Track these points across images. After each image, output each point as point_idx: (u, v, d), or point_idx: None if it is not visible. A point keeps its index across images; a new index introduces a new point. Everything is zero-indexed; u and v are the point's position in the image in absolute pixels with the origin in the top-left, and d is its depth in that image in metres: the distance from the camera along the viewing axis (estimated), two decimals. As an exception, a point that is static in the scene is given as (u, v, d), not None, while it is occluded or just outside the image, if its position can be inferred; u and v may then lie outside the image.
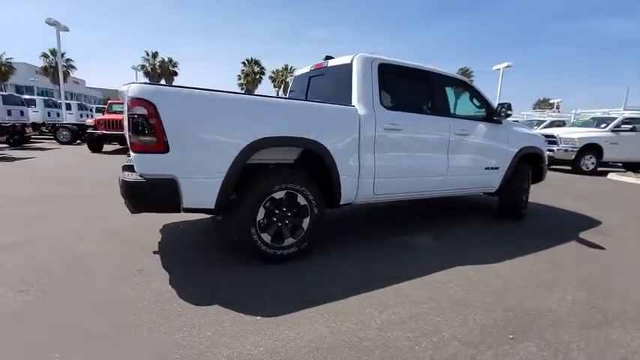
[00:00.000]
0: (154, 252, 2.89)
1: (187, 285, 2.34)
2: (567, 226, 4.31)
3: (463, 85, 3.98)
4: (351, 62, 3.14)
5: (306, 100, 3.60)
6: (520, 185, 4.37)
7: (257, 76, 47.59)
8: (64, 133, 12.54)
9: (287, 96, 4.22)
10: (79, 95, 37.53)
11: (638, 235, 4.08)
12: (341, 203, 3.03)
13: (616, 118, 10.65)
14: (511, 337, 1.91)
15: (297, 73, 4.23)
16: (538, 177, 4.78)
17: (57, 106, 15.97)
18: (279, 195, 2.66)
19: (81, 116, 17.06)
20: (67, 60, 37.88)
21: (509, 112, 3.82)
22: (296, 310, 2.09)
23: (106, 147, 11.05)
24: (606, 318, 2.16)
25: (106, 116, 10.36)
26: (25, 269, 2.48)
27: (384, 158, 3.14)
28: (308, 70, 3.92)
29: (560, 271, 2.85)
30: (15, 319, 1.88)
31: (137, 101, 2.14)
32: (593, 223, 4.56)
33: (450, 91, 3.80)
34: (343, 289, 2.37)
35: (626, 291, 2.54)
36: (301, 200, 2.77)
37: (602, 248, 3.53)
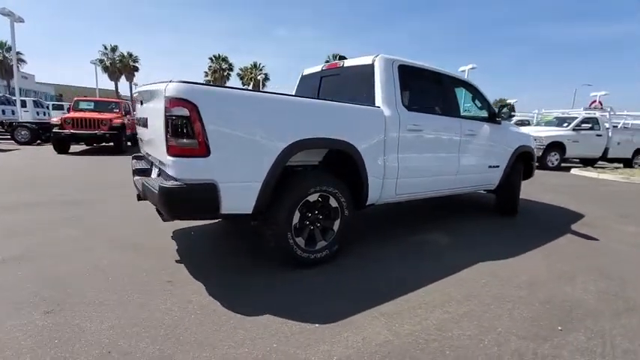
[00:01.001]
0: (177, 261, 2.73)
1: (227, 295, 2.22)
2: (557, 220, 4.62)
3: (468, 86, 4.12)
4: (373, 63, 3.14)
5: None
6: (516, 182, 4.62)
7: (225, 73, 46.42)
8: (22, 132, 11.43)
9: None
10: (29, 91, 34.36)
11: (619, 226, 4.45)
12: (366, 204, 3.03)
13: (576, 117, 11.58)
14: (560, 328, 2.02)
15: (305, 72, 4.16)
16: (528, 174, 5.07)
17: (11, 103, 14.53)
18: (313, 198, 2.61)
19: (37, 114, 15.65)
20: (17, 53, 34.61)
21: (512, 113, 4.01)
22: (349, 314, 2.06)
23: (74, 147, 10.24)
24: (630, 305, 2.34)
25: (74, 114, 9.59)
26: (40, 286, 2.24)
27: (405, 158, 3.18)
28: (319, 70, 3.88)
29: (572, 264, 3.04)
30: (54, 347, 1.69)
31: (177, 101, 1.99)
32: (577, 216, 4.91)
33: (458, 93, 3.92)
34: (387, 291, 2.37)
35: (637, 280, 2.77)
36: (333, 202, 2.73)
37: (597, 240, 3.82)
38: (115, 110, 10.80)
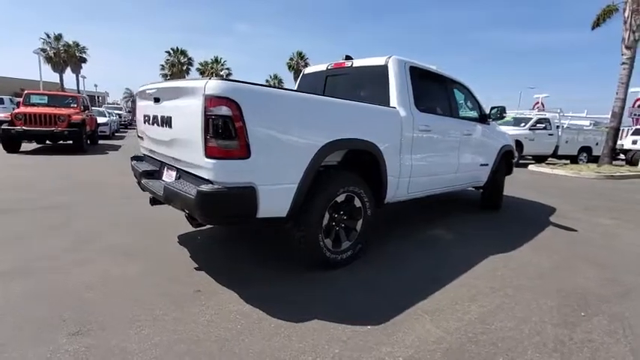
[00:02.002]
0: (196, 269, 2.57)
1: (265, 301, 2.14)
2: (536, 214, 5.01)
3: (463, 87, 4.31)
4: (386, 64, 3.18)
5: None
6: (501, 179, 4.94)
7: (184, 67, 44.27)
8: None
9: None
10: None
11: (587, 217, 4.93)
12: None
13: (531, 118, 12.60)
14: (583, 314, 2.20)
15: (307, 70, 4.11)
16: (508, 171, 5.43)
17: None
18: (340, 198, 2.59)
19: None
20: None
21: (503, 114, 4.27)
22: (393, 314, 2.08)
23: (25, 146, 9.20)
24: (628, 288, 2.61)
25: (26, 109, 8.61)
26: (52, 304, 2.00)
27: (417, 158, 3.27)
28: (323, 69, 3.84)
29: (564, 254, 3.31)
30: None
31: (219, 100, 1.88)
32: (551, 209, 5.36)
33: (457, 94, 4.09)
34: (420, 287, 2.43)
35: (623, 264, 3.09)
36: (357, 203, 2.73)
37: (575, 230, 4.20)
38: (72, 105, 9.87)
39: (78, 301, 2.05)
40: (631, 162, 13.91)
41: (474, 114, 4.38)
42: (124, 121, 22.98)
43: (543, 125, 12.22)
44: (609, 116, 11.75)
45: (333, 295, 2.29)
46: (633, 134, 14.62)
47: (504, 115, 4.32)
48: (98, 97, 47.32)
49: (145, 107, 2.70)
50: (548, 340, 1.90)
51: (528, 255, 3.23)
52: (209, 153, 1.93)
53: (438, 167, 3.66)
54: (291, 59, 44.91)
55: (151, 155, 2.84)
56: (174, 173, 2.49)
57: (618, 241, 3.85)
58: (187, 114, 2.07)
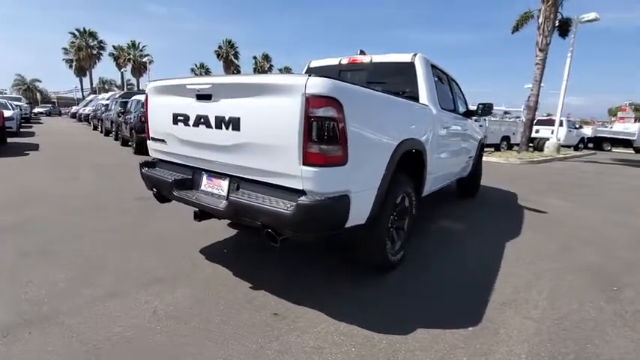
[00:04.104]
0: (252, 288, 2.29)
1: (351, 316, 2.01)
2: (506, 199, 5.61)
3: (457, 84, 4.55)
4: (413, 61, 3.18)
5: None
6: (480, 168, 5.40)
7: (94, 52, 38.74)
8: None
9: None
10: None
11: (542, 199, 5.65)
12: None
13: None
14: (615, 288, 2.53)
15: (313, 64, 3.91)
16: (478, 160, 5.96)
17: None
18: (399, 200, 2.55)
19: None
20: None
21: (491, 110, 4.63)
22: (474, 314, 2.13)
23: None
24: (628, 262, 3.07)
25: None
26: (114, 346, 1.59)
27: (439, 155, 3.37)
28: (336, 64, 3.69)
29: (556, 235, 3.76)
30: None
31: (324, 100, 1.66)
32: (512, 194, 6.04)
33: (456, 91, 4.30)
34: (475, 282, 2.54)
35: (607, 242, 3.61)
36: (406, 202, 2.72)
37: (545, 212, 4.81)
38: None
39: (144, 351, 1.67)
40: (537, 148, 16.48)
41: (463, 109, 4.66)
42: (25, 114, 19.29)
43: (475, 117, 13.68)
44: (518, 109, 13.67)
45: (405, 301, 2.25)
46: (536, 124, 17.29)
47: (491, 111, 4.69)
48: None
49: (175, 105, 2.26)
50: (608, 315, 2.15)
51: (532, 239, 3.59)
52: (309, 160, 1.71)
53: (450, 162, 3.84)
54: (220, 47, 42.52)
55: (182, 162, 2.41)
56: (224, 182, 2.16)
57: (583, 220, 4.50)
58: (271, 115, 1.79)
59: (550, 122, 16.78)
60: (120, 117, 10.18)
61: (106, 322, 1.86)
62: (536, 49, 12.42)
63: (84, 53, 37.41)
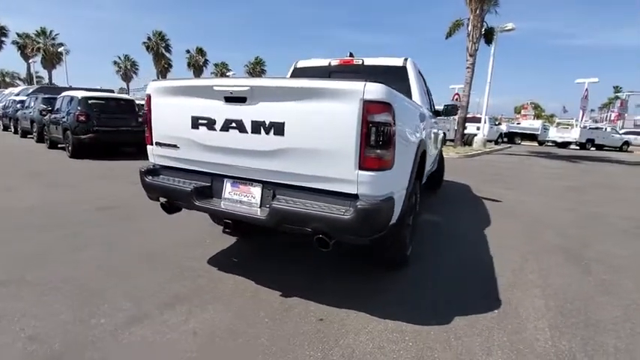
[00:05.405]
0: (281, 295, 2.23)
1: (393, 313, 2.08)
2: (462, 190, 6.21)
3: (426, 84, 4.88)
4: (405, 65, 3.36)
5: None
6: (442, 162, 5.88)
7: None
8: None
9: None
10: None
11: (493, 189, 6.39)
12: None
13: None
14: (583, 262, 3.00)
15: (300, 64, 3.87)
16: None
17: None
18: (413, 197, 2.68)
19: None
20: None
21: (455, 111, 5.06)
22: (494, 293, 2.37)
23: None
24: (583, 241, 3.62)
25: None
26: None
27: (429, 152, 3.61)
28: (326, 65, 3.71)
29: (520, 221, 4.30)
30: None
31: (382, 106, 1.70)
32: (463, 185, 6.70)
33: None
34: (489, 273, 2.79)
35: (559, 224, 4.22)
36: (413, 199, 2.87)
37: (500, 201, 5.44)
38: None
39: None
40: (467, 142, 18.37)
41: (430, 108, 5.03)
42: None
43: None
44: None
45: (431, 292, 2.39)
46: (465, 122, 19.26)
47: (456, 112, 5.14)
48: None
49: (196, 107, 2.07)
50: (594, 285, 2.56)
51: (504, 225, 4.05)
52: (366, 164, 1.72)
53: (430, 159, 4.12)
54: (150, 39, 39.12)
55: (197, 168, 2.22)
56: (255, 189, 2.06)
57: (532, 206, 5.20)
58: (323, 120, 1.76)
59: (475, 120, 18.85)
60: (44, 115, 8.81)
61: (147, 351, 1.66)
62: (467, 54, 13.82)
63: (-25, 39, 31.38)
